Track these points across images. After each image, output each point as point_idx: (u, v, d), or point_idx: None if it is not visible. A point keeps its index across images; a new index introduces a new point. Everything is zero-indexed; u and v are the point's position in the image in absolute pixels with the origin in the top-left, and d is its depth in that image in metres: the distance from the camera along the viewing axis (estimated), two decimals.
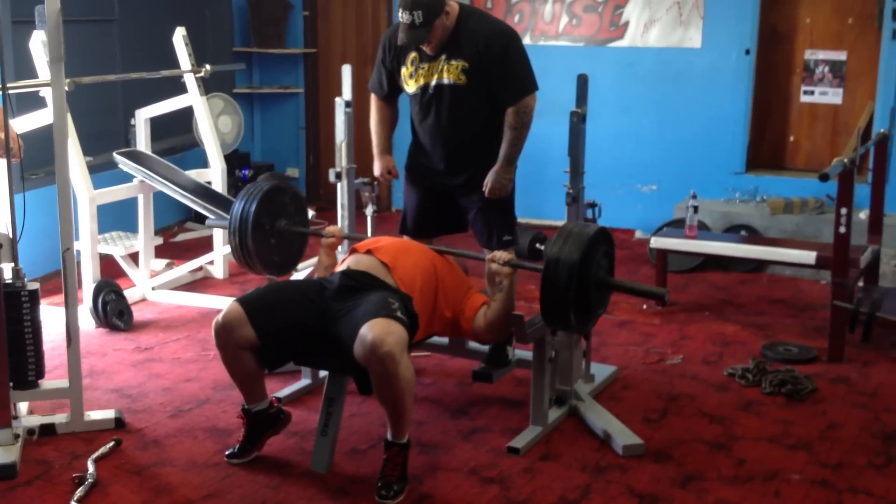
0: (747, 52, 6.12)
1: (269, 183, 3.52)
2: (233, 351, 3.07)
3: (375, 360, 2.83)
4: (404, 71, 3.65)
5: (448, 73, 3.54)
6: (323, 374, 3.65)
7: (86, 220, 4.58)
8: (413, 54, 3.61)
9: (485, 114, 3.60)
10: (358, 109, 4.11)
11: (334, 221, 3.98)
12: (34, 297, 3.30)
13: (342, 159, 3.94)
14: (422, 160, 3.78)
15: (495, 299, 3.22)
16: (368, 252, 3.28)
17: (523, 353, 3.75)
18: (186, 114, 5.66)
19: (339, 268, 3.30)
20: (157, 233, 5.47)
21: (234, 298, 3.15)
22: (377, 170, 3.85)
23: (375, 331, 2.83)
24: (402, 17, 3.41)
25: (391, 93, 3.78)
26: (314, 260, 4.86)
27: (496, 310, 3.21)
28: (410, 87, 3.65)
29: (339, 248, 3.78)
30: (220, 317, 3.06)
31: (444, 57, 3.54)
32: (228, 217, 3.51)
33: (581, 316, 3.03)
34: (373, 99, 3.84)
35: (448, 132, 3.64)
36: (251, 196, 3.45)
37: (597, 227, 3.05)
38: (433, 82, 3.58)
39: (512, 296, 3.20)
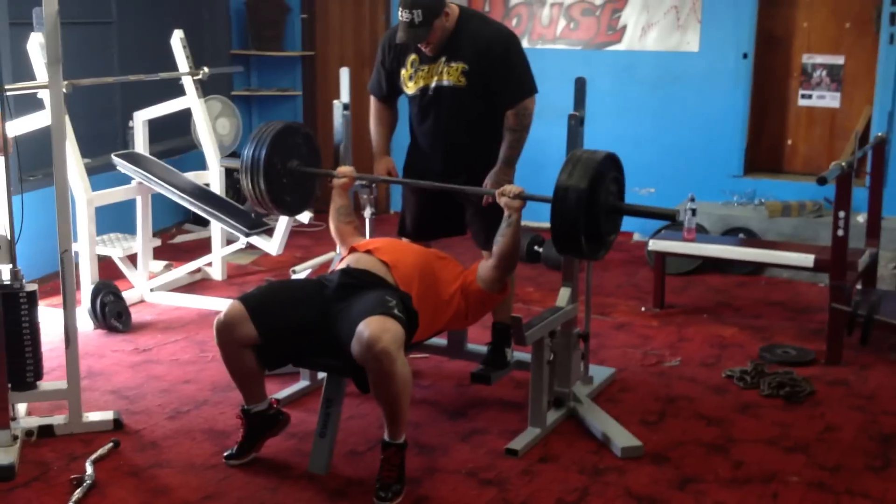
0: (745, 55, 6.13)
1: (281, 123, 3.55)
2: (234, 349, 3.07)
3: (371, 357, 2.84)
4: (404, 73, 3.65)
5: (448, 75, 3.55)
6: (321, 375, 3.65)
7: (84, 221, 4.57)
8: (412, 56, 3.61)
9: (484, 116, 3.60)
10: (356, 112, 4.11)
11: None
12: (32, 299, 3.30)
13: (341, 161, 3.95)
14: (421, 162, 3.79)
15: (503, 234, 3.26)
16: (368, 252, 3.29)
17: (522, 355, 3.75)
18: (184, 116, 5.67)
19: (339, 266, 3.31)
20: (155, 234, 5.46)
21: (234, 298, 3.15)
22: (376, 170, 3.85)
23: (372, 328, 2.84)
24: (401, 15, 3.42)
25: (390, 94, 3.79)
26: (314, 261, 4.89)
27: (504, 241, 3.26)
28: (410, 88, 3.65)
29: (338, 248, 3.78)
30: (221, 315, 3.06)
31: (443, 59, 3.55)
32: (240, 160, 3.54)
33: (592, 242, 3.08)
34: (372, 100, 3.85)
35: (447, 134, 3.65)
36: (263, 136, 3.48)
37: (605, 153, 3.11)
38: (433, 84, 3.59)
39: (519, 230, 3.26)
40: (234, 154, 6.28)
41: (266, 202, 3.54)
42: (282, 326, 3.07)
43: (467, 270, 3.42)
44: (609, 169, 3.11)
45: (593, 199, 3.02)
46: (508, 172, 3.61)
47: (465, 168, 3.67)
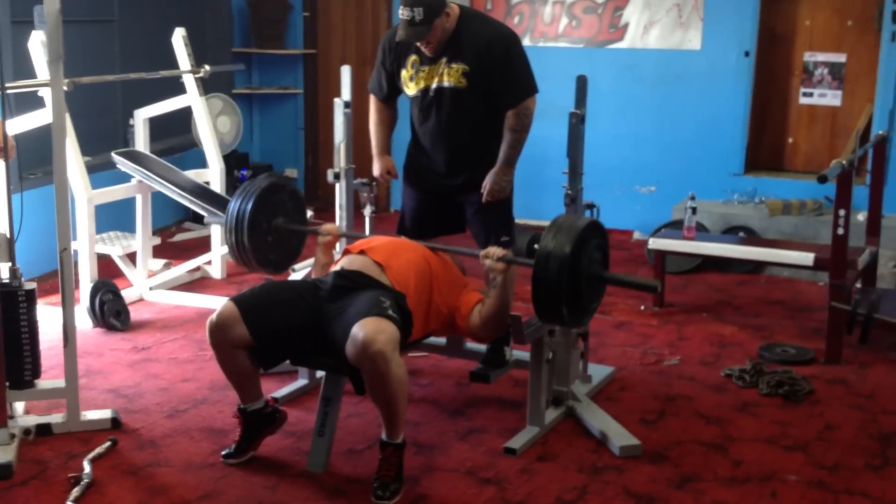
0: (747, 53, 6.12)
1: (266, 180, 3.51)
2: (227, 350, 3.07)
3: (366, 359, 2.83)
4: (404, 73, 3.65)
5: (449, 76, 3.54)
6: (320, 374, 3.65)
7: (84, 219, 4.58)
8: (413, 57, 3.61)
9: (485, 116, 3.60)
10: (357, 110, 4.11)
11: (333, 222, 3.98)
12: (31, 297, 3.30)
13: (341, 160, 3.95)
14: (421, 161, 3.78)
15: (490, 296, 3.21)
16: (362, 252, 3.28)
17: (521, 353, 3.75)
18: (185, 114, 5.67)
19: (333, 268, 3.30)
20: (154, 233, 5.47)
21: (227, 299, 3.15)
22: (376, 170, 3.85)
23: (366, 330, 2.83)
24: (402, 13, 3.42)
25: (391, 94, 3.78)
26: (310, 261, 4.88)
27: (491, 306, 3.20)
28: (411, 89, 3.65)
29: (336, 246, 3.78)
30: (214, 316, 3.06)
31: (444, 60, 3.54)
32: (225, 215, 3.51)
33: (574, 310, 3.01)
34: (372, 100, 3.84)
35: (449, 134, 3.64)
36: (248, 194, 3.45)
37: (588, 220, 3.04)
38: (434, 85, 3.58)
39: (506, 292, 3.19)
40: (235, 153, 6.30)
41: (251, 260, 3.48)
42: (274, 328, 3.06)
43: (462, 299, 3.32)
44: (592, 235, 3.02)
45: (576, 266, 2.93)
46: (508, 172, 3.60)
47: (468, 168, 3.66)
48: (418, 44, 3.52)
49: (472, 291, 3.37)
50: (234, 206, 3.45)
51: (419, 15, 3.38)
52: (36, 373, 3.36)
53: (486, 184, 3.61)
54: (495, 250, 3.18)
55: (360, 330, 2.84)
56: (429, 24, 3.41)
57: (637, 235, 6.44)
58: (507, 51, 3.52)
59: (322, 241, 3.51)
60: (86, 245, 4.60)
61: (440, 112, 3.61)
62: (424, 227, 3.84)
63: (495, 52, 3.50)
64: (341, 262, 3.29)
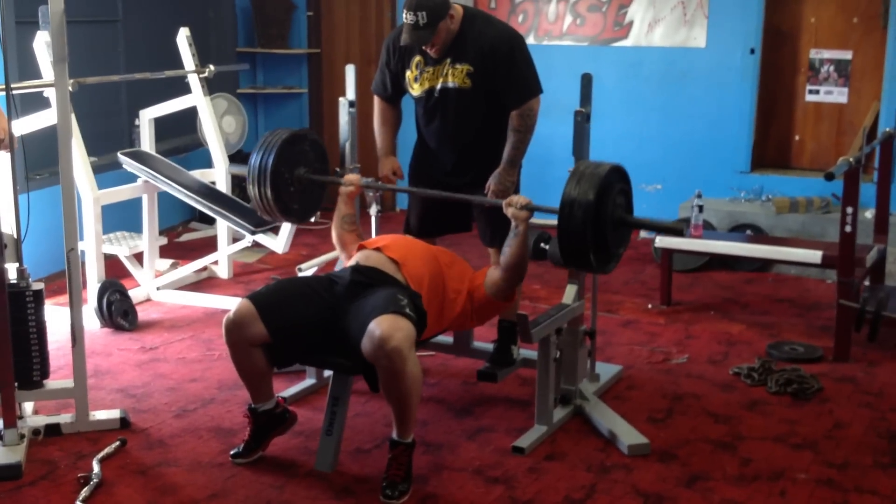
0: (752, 51, 6.11)
1: (288, 131, 3.52)
2: (243, 348, 3.07)
3: (383, 355, 2.83)
4: (409, 74, 3.65)
5: (453, 76, 3.54)
6: (328, 373, 3.65)
7: (90, 220, 4.58)
8: (417, 58, 3.60)
9: (491, 115, 3.59)
10: (361, 109, 4.10)
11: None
12: (39, 298, 3.30)
13: (346, 159, 3.95)
14: (428, 160, 3.78)
15: (511, 244, 3.23)
16: (377, 249, 3.28)
17: (528, 352, 3.74)
18: (190, 114, 5.67)
19: (349, 264, 3.30)
20: (161, 233, 5.47)
21: (243, 297, 3.14)
22: (382, 170, 3.85)
23: (383, 326, 2.83)
24: (406, 17, 3.41)
25: (395, 95, 3.78)
26: (320, 259, 4.88)
27: (511, 255, 3.22)
28: (415, 90, 3.65)
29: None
30: (230, 314, 3.05)
31: (448, 60, 3.54)
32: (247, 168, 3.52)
33: (601, 256, 3.03)
34: (376, 101, 3.84)
35: (455, 135, 3.64)
36: (270, 146, 3.45)
37: (610, 165, 3.06)
38: (438, 86, 3.58)
39: (527, 241, 3.23)
40: (241, 153, 6.30)
41: (274, 211, 3.52)
42: (291, 325, 3.06)
43: (476, 273, 3.40)
44: (616, 181, 3.05)
45: (600, 212, 2.96)
46: (512, 173, 3.60)
47: (474, 166, 3.66)
48: (426, 48, 3.52)
49: (482, 270, 3.42)
50: (255, 158, 3.46)
51: (423, 19, 3.37)
52: (44, 373, 3.37)
53: (490, 184, 3.60)
54: (518, 198, 3.22)
55: (378, 326, 2.84)
56: (433, 27, 3.41)
57: (643, 234, 6.43)
58: (511, 52, 3.51)
59: (344, 191, 3.54)
60: (93, 245, 4.61)
61: (446, 113, 3.61)
62: (430, 226, 3.84)
63: (499, 53, 3.49)
64: (357, 258, 3.29)
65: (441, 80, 3.57)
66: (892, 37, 5.74)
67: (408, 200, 3.98)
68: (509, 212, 3.21)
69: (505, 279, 3.28)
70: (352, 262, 3.28)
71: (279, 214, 3.56)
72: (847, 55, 6.06)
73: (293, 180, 3.54)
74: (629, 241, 3.20)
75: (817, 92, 6.18)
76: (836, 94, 6.13)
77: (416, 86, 3.64)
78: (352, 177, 3.58)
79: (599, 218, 2.96)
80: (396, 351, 2.81)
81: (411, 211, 3.90)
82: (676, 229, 3.18)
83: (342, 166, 3.93)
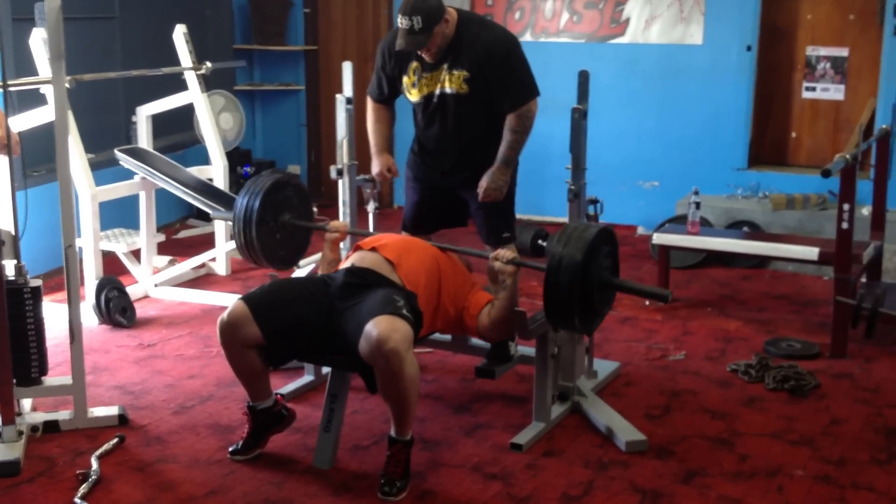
0: (749, 48, 6.11)
1: (271, 178, 3.51)
2: (238, 349, 3.07)
3: (380, 356, 2.83)
4: (406, 80, 3.65)
5: (450, 82, 3.55)
6: (326, 370, 3.65)
7: (88, 216, 4.58)
8: (414, 63, 3.61)
9: (489, 119, 3.61)
10: (359, 106, 4.10)
11: (336, 218, 3.98)
12: (37, 294, 3.30)
13: (343, 156, 3.95)
14: (425, 160, 3.79)
15: (499, 298, 3.22)
16: (373, 249, 3.28)
17: (526, 349, 3.75)
18: (188, 111, 5.66)
19: (344, 265, 3.30)
20: (159, 230, 5.47)
21: (238, 296, 3.14)
22: (375, 168, 3.84)
23: (381, 328, 2.83)
24: (401, 22, 3.40)
25: (390, 97, 3.78)
26: (316, 256, 4.88)
27: (500, 308, 3.21)
28: (413, 96, 3.65)
29: (343, 243, 3.78)
30: (224, 315, 3.05)
31: (445, 66, 3.54)
32: (232, 212, 3.51)
33: (585, 316, 3.03)
34: (369, 102, 3.84)
35: (454, 139, 3.65)
36: (254, 193, 3.45)
37: (598, 228, 3.04)
38: (437, 91, 3.59)
39: (515, 294, 3.20)
40: (238, 150, 6.29)
41: (261, 259, 3.51)
42: (285, 326, 3.06)
43: (472, 296, 3.34)
44: (603, 243, 3.02)
45: (587, 275, 2.93)
46: (506, 172, 3.59)
47: (472, 166, 3.66)
48: (421, 53, 3.52)
49: (480, 291, 3.38)
50: (240, 204, 3.45)
51: (418, 23, 3.37)
52: (43, 370, 3.37)
53: (483, 183, 3.60)
54: (505, 253, 3.18)
55: (375, 328, 2.84)
56: (429, 31, 3.40)
57: (641, 231, 6.44)
58: (507, 55, 3.51)
59: (329, 237, 3.51)
60: (90, 242, 4.61)
61: (444, 118, 3.61)
62: (424, 221, 3.84)
63: (495, 57, 3.49)
64: (352, 259, 3.29)
65: (439, 85, 3.57)
66: (889, 33, 5.75)
67: (405, 197, 3.98)
68: (496, 265, 3.17)
69: (494, 331, 3.28)
70: (347, 264, 3.28)
71: (266, 262, 3.54)
72: (843, 52, 6.07)
73: (278, 227, 3.52)
74: (612, 303, 3.19)
75: (814, 89, 6.19)
76: (833, 91, 6.14)
77: (413, 91, 3.64)
78: (337, 223, 3.56)
79: (586, 280, 2.94)
80: (394, 352, 2.82)
81: (408, 207, 3.91)
82: (661, 295, 3.16)
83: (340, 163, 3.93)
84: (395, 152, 3.91)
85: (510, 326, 3.25)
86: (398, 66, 3.65)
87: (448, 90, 3.56)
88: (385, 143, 3.85)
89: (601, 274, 3.02)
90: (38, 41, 4.41)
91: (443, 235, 3.94)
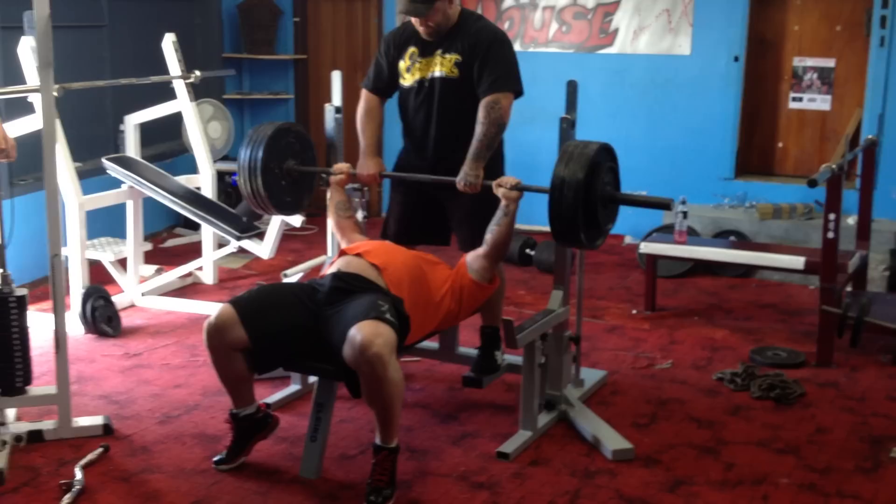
0: (736, 59, 6.15)
1: (273, 126, 3.63)
2: (224, 352, 3.06)
3: (364, 361, 2.83)
4: (402, 64, 3.68)
5: (442, 66, 3.59)
6: (312, 379, 3.65)
7: (74, 225, 4.56)
8: (412, 49, 3.65)
9: (475, 107, 3.59)
10: (348, 115, 4.10)
11: (324, 227, 3.98)
12: (22, 303, 3.29)
13: (332, 164, 3.94)
14: (411, 160, 3.78)
15: (500, 223, 3.33)
16: (358, 255, 3.29)
17: (513, 358, 3.75)
18: (176, 120, 5.66)
19: (330, 270, 3.31)
20: (146, 238, 5.45)
21: (225, 302, 3.14)
22: (366, 169, 3.73)
23: (364, 332, 2.83)
24: None
25: (386, 86, 3.77)
26: (305, 265, 4.88)
27: (499, 230, 3.33)
28: (406, 80, 3.68)
29: (326, 259, 3.78)
30: (212, 318, 3.05)
31: (440, 52, 3.60)
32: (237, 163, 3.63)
33: (591, 233, 3.15)
34: (363, 96, 3.81)
35: (438, 124, 3.65)
36: (257, 142, 3.56)
37: (598, 144, 3.15)
38: (429, 76, 3.63)
39: (514, 219, 3.35)
40: (227, 158, 6.29)
41: (268, 206, 3.67)
42: (272, 331, 3.06)
43: (455, 268, 3.44)
44: (604, 159, 3.15)
45: (590, 191, 3.07)
46: (476, 168, 3.51)
47: (453, 155, 3.61)
48: (418, 26, 3.54)
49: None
50: (244, 155, 3.59)
51: None
52: (27, 379, 3.35)
53: (458, 178, 3.57)
54: (508, 179, 3.33)
55: (358, 332, 2.84)
56: (430, 3, 3.45)
57: (628, 240, 6.46)
58: (493, 42, 3.58)
59: (334, 180, 3.66)
60: (77, 251, 4.59)
61: (431, 101, 3.65)
62: (407, 233, 3.80)
63: (482, 43, 3.57)
64: (338, 264, 3.29)
65: (431, 69, 3.62)
66: (875, 45, 5.80)
67: (388, 206, 3.98)
68: (500, 192, 3.32)
69: (489, 256, 3.37)
70: (333, 269, 3.28)
71: (274, 209, 3.69)
72: (830, 63, 6.11)
73: (283, 174, 3.67)
74: (616, 218, 3.31)
75: (801, 99, 6.23)
76: (820, 102, 6.18)
77: (407, 76, 3.68)
78: (340, 165, 3.71)
79: (590, 196, 3.06)
80: (377, 357, 2.82)
81: (390, 216, 3.89)
82: (663, 203, 3.26)
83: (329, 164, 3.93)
84: (383, 155, 3.90)
85: (505, 250, 3.40)
86: (398, 51, 3.71)
87: (438, 73, 3.61)
88: (376, 144, 3.80)
89: (604, 189, 3.14)
90: (27, 49, 4.40)
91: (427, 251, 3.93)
